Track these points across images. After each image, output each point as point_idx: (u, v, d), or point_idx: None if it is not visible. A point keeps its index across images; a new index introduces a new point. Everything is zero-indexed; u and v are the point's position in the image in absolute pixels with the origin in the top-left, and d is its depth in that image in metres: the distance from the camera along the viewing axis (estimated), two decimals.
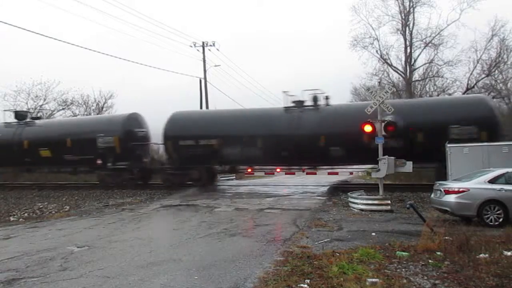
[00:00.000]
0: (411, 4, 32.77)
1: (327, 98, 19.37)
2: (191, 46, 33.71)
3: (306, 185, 23.18)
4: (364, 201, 13.41)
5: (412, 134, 16.83)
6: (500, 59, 31.71)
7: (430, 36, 32.69)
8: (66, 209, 15.81)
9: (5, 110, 28.54)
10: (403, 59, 33.49)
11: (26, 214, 14.95)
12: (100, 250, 8.22)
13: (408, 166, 13.48)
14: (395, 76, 35.41)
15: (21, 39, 78.19)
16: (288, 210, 13.50)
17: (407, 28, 32.98)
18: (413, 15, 32.93)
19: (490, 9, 50.05)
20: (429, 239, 7.65)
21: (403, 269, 6.34)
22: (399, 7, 33.03)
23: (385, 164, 13.18)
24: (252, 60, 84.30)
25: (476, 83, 32.23)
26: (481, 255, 6.78)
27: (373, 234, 9.37)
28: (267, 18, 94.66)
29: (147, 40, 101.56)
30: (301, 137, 18.53)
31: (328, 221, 11.23)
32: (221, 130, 20.16)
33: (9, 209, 16.29)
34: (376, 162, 13.65)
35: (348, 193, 14.81)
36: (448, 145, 15.03)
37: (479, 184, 10.62)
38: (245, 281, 5.83)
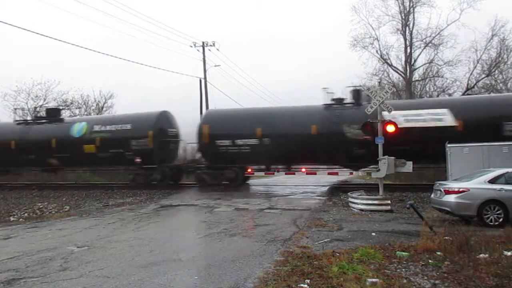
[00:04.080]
0: (411, 4, 32.83)
1: None
2: (191, 46, 33.62)
3: (306, 185, 23.15)
4: (364, 201, 13.39)
5: None
6: (500, 59, 31.79)
7: (430, 36, 32.77)
8: (66, 209, 15.82)
9: None
10: (403, 59, 33.53)
11: (26, 214, 14.96)
12: (100, 250, 8.22)
13: (408, 166, 13.48)
14: (395, 76, 35.46)
15: (22, 39, 78.17)
16: (288, 210, 13.49)
17: (407, 28, 33.01)
18: (413, 15, 32.98)
19: (490, 9, 50.20)
20: (429, 239, 7.65)
21: (403, 269, 6.34)
22: (399, 7, 33.10)
23: (385, 164, 13.17)
24: (252, 60, 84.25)
25: (476, 83, 32.28)
26: (481, 255, 6.78)
27: (373, 234, 9.37)
28: (267, 18, 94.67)
29: (147, 40, 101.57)
30: None
31: (328, 221, 11.22)
32: None
33: (9, 209, 16.31)
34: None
35: (348, 193, 14.80)
36: (448, 145, 15.00)
37: (479, 184, 10.62)
38: (245, 281, 5.83)
